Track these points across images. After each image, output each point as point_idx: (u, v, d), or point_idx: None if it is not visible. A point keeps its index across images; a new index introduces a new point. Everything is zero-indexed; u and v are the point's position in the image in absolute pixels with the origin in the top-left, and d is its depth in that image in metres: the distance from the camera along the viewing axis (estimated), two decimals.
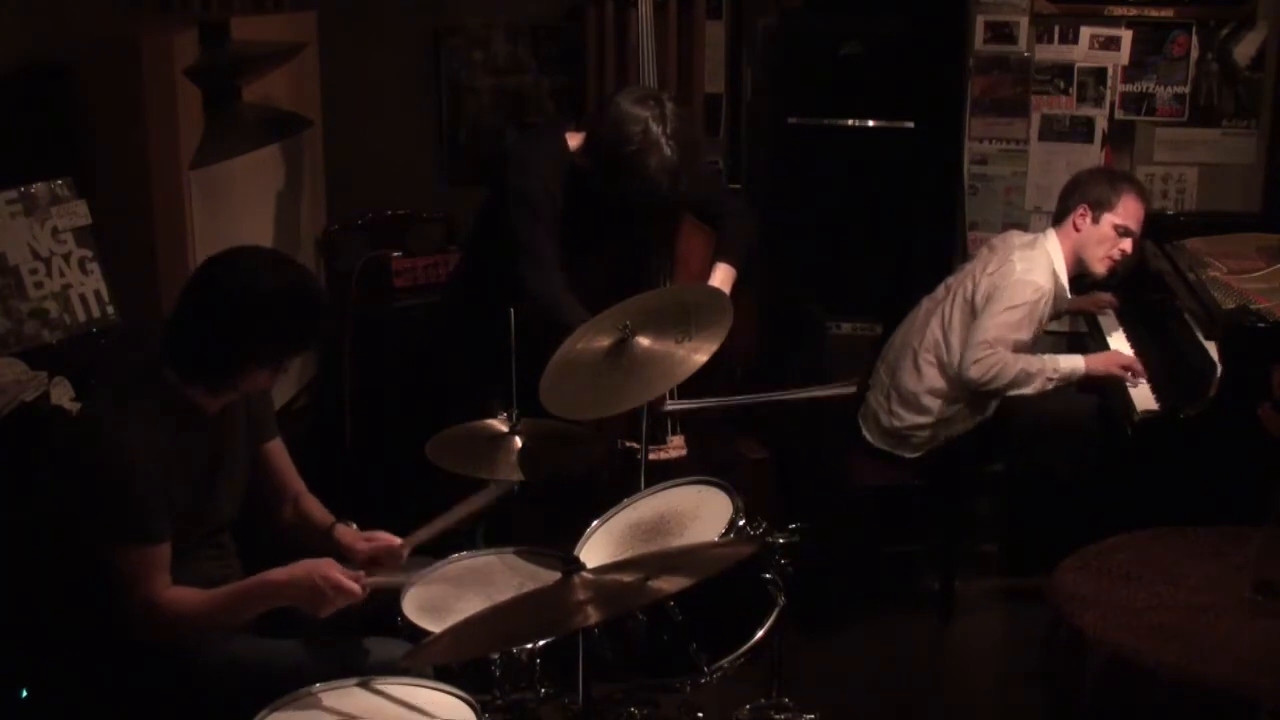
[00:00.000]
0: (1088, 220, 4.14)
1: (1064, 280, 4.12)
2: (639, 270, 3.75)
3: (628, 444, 3.63)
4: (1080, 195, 4.16)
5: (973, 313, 4.03)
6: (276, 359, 2.74)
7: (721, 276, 3.72)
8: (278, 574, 2.65)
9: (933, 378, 4.09)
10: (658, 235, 3.77)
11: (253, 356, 2.69)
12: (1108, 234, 4.14)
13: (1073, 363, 4.01)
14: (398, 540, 2.87)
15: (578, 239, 3.66)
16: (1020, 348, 3.98)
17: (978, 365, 3.93)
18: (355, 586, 2.63)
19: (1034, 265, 4.05)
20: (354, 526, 2.92)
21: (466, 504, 2.90)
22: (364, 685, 2.49)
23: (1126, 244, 4.16)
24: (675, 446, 3.80)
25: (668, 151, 3.51)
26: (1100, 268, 4.19)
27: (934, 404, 4.10)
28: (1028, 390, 3.95)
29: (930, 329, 4.13)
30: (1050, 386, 3.96)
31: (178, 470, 2.67)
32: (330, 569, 2.62)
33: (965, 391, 4.05)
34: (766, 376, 3.91)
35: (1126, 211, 4.13)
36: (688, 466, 3.58)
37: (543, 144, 3.74)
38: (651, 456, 3.65)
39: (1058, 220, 4.22)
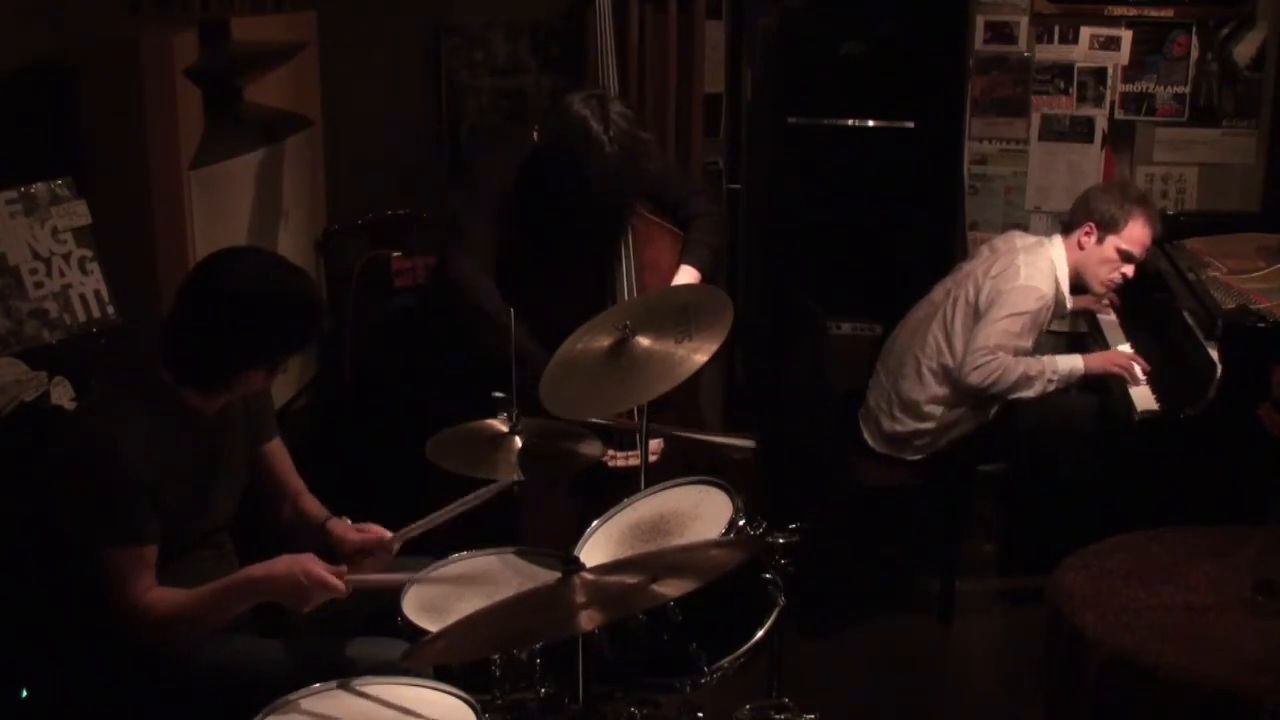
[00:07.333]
0: (1092, 239, 4.12)
1: (1065, 289, 4.11)
2: (603, 274, 3.76)
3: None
4: (1088, 211, 4.14)
5: (975, 316, 4.02)
6: (271, 360, 2.73)
7: (683, 279, 3.74)
8: (258, 569, 2.64)
9: (936, 386, 4.08)
10: (613, 237, 3.77)
11: (247, 358, 2.69)
12: (1110, 256, 4.12)
13: (1071, 363, 4.01)
14: (388, 533, 2.87)
15: (540, 241, 3.68)
16: (1020, 354, 3.97)
17: (978, 371, 3.92)
18: (338, 582, 2.61)
19: (1037, 271, 4.04)
20: (346, 520, 2.92)
21: (459, 503, 2.89)
22: (363, 685, 2.48)
23: (1128, 269, 4.14)
24: (635, 455, 3.75)
25: (609, 150, 3.52)
26: (1098, 288, 4.19)
27: (936, 411, 4.09)
28: (1029, 393, 3.95)
29: (932, 334, 4.11)
30: (1051, 388, 3.96)
31: (173, 471, 2.67)
32: (311, 564, 2.61)
33: (968, 396, 4.04)
34: (767, 377, 3.90)
35: (1132, 236, 4.10)
36: (674, 468, 3.55)
37: (507, 142, 3.78)
38: (619, 463, 3.65)
39: (1067, 230, 4.20)
